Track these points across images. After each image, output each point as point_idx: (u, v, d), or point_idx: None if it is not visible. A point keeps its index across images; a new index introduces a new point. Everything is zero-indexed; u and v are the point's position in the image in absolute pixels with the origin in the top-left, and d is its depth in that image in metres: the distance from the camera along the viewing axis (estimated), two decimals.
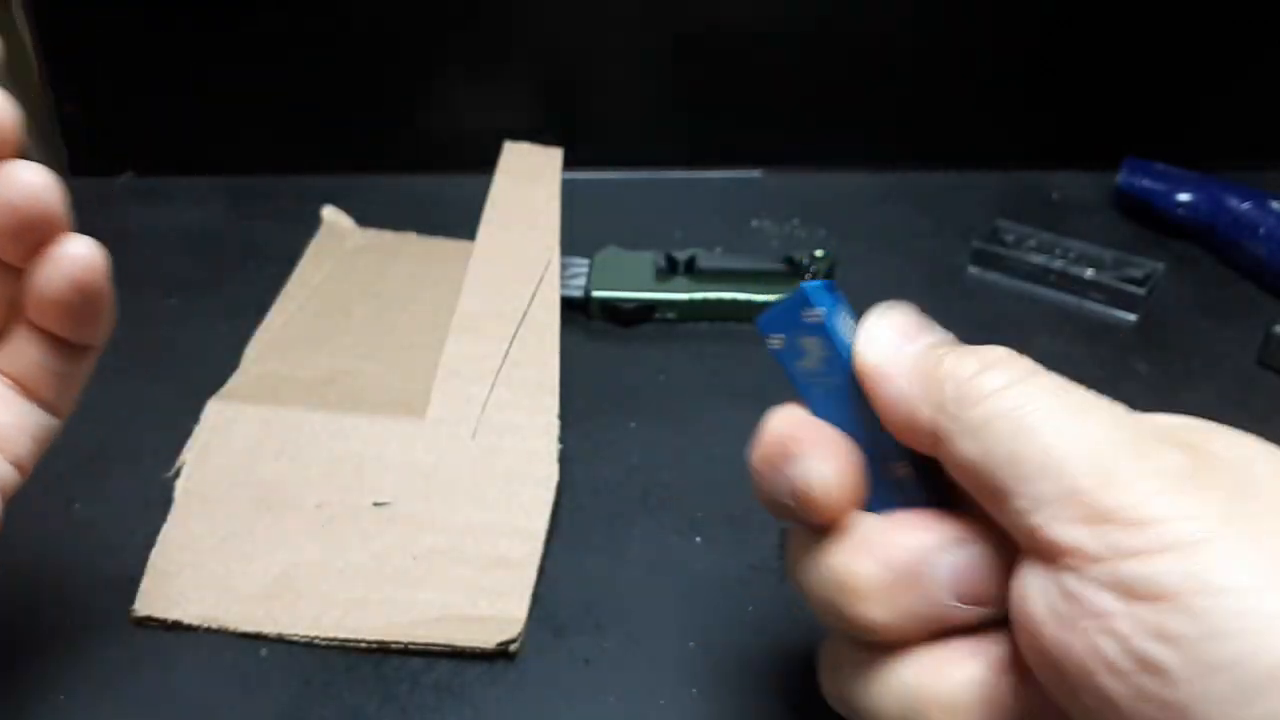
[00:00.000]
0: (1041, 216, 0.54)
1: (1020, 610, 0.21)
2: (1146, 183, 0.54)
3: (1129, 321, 0.48)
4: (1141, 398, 0.45)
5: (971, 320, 0.48)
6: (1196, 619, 0.18)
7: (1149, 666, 0.18)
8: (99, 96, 0.60)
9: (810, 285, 0.24)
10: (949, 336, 0.24)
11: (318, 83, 0.60)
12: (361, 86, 0.60)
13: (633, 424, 0.42)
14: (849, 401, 0.24)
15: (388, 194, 0.57)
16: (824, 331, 0.24)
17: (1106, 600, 0.19)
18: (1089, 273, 0.49)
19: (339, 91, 0.60)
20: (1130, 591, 0.18)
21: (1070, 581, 0.19)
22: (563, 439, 0.38)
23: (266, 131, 0.61)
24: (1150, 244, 0.53)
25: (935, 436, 0.22)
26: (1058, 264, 0.50)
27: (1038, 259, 0.51)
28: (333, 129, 0.61)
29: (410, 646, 0.32)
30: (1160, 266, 0.50)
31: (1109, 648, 0.19)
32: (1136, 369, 0.45)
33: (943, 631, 0.23)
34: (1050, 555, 0.20)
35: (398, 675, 0.32)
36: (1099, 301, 0.49)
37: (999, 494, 0.21)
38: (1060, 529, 0.20)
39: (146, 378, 0.44)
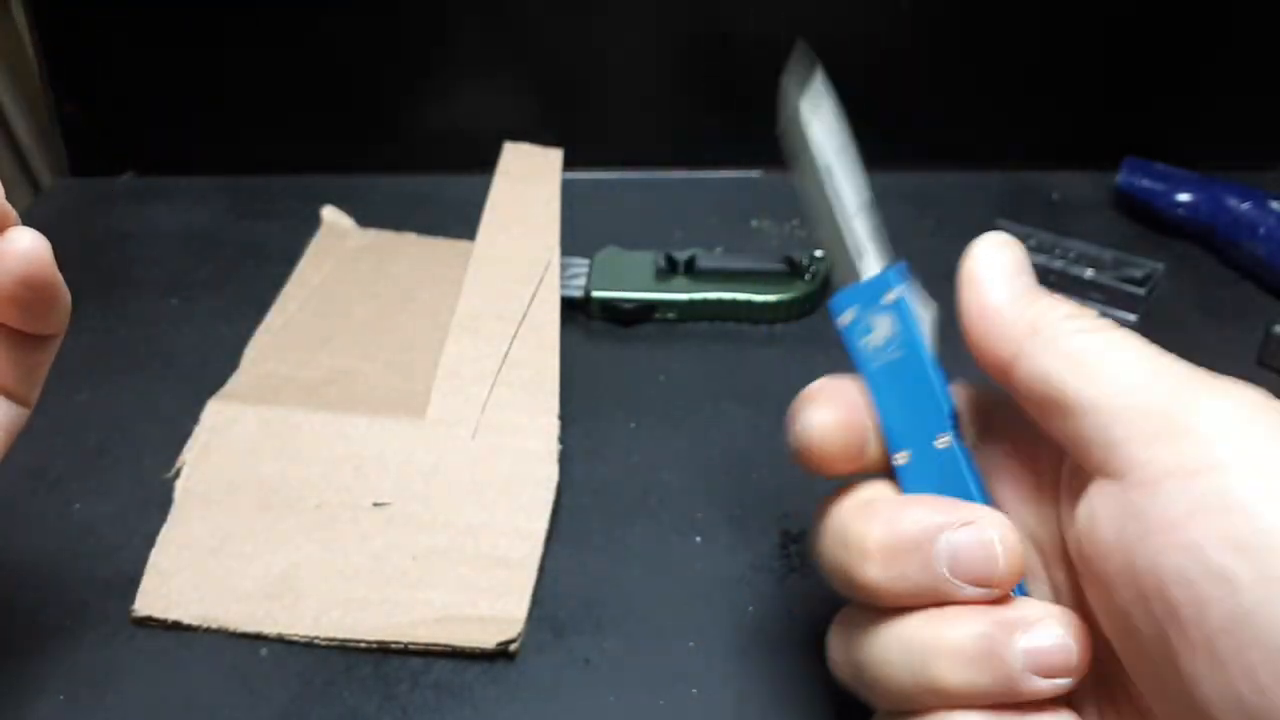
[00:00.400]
0: (1041, 216, 0.54)
1: (1085, 531, 0.22)
2: (1146, 183, 0.54)
3: (1129, 321, 0.48)
4: None
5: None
6: (1268, 530, 0.18)
7: (1219, 576, 0.19)
8: (99, 96, 0.60)
9: (893, 269, 0.27)
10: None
11: (318, 83, 0.60)
12: (361, 86, 0.60)
13: (633, 424, 0.42)
14: (904, 376, 0.25)
15: (388, 194, 0.57)
16: (897, 310, 0.26)
17: (1179, 512, 0.19)
18: (1089, 273, 0.49)
19: (339, 91, 0.60)
20: (1202, 503, 0.19)
21: (1141, 497, 0.20)
22: (563, 439, 0.38)
23: (266, 131, 0.61)
24: (1150, 244, 0.53)
25: (1018, 352, 0.23)
26: (1058, 264, 0.50)
27: (1038, 259, 0.50)
28: (333, 129, 0.61)
29: (410, 646, 0.32)
30: (1160, 266, 0.50)
31: (1179, 560, 0.19)
32: None
33: (942, 602, 0.23)
34: (1121, 470, 0.21)
35: (398, 675, 0.32)
36: (1099, 301, 0.49)
37: (1077, 409, 0.22)
38: (1135, 446, 0.20)
39: (147, 378, 0.44)
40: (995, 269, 0.25)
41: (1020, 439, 0.26)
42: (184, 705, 0.31)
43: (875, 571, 0.23)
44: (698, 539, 0.37)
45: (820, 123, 0.30)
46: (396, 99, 0.60)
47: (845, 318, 0.27)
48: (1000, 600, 0.23)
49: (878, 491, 0.26)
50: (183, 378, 0.42)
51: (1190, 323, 0.48)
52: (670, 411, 0.43)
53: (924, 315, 0.26)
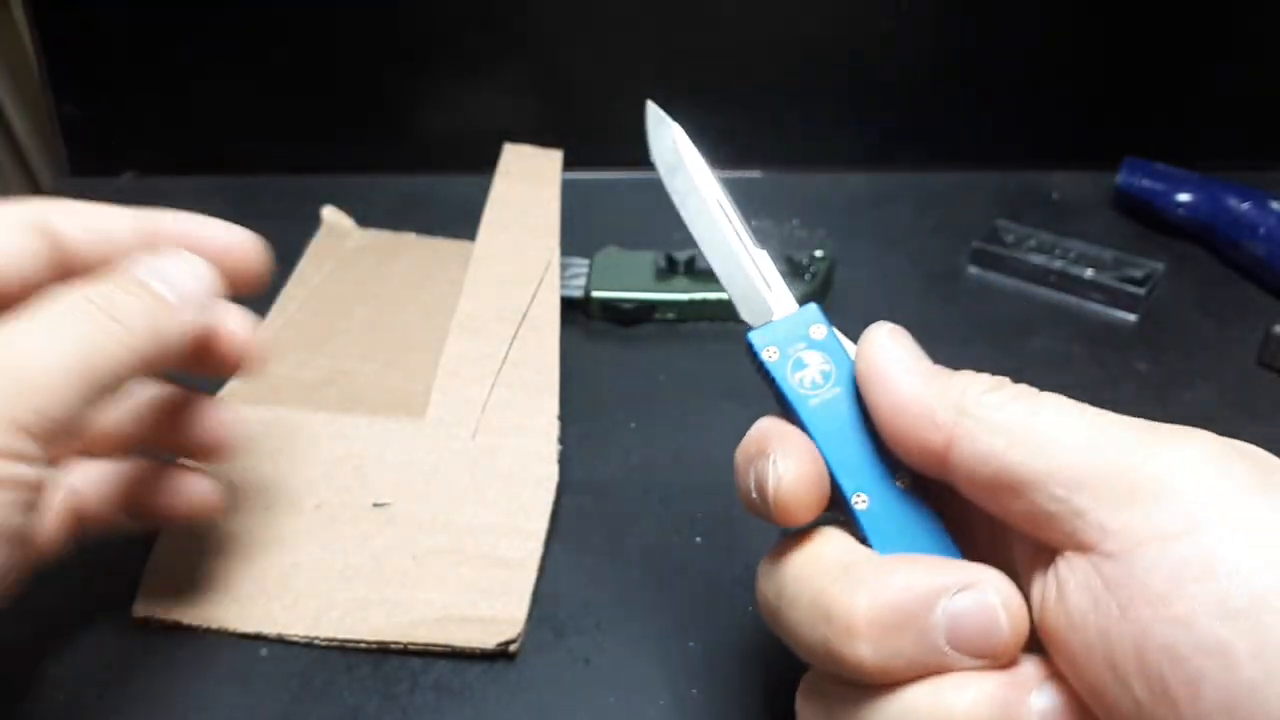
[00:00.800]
0: (1041, 216, 0.54)
1: (1058, 611, 0.20)
2: (1146, 183, 0.54)
3: (1129, 321, 0.48)
4: (1141, 398, 0.45)
5: (971, 320, 0.48)
6: (1263, 594, 0.17)
7: (1214, 649, 0.17)
8: (99, 96, 0.60)
9: (815, 306, 0.26)
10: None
11: (318, 83, 0.60)
12: (361, 86, 0.60)
13: (633, 424, 0.42)
14: (849, 414, 0.24)
15: (388, 194, 0.57)
16: (829, 347, 0.25)
17: (1161, 582, 0.18)
18: (1089, 273, 0.49)
19: (339, 91, 0.60)
20: (1186, 570, 0.18)
21: (1116, 569, 0.19)
22: (563, 439, 0.38)
23: (266, 131, 0.61)
24: (1150, 244, 0.53)
25: (950, 438, 0.22)
26: (1058, 264, 0.50)
27: (1038, 259, 0.51)
28: (333, 129, 0.61)
29: (410, 647, 0.32)
30: (1160, 266, 0.50)
31: (1167, 634, 0.18)
32: (1136, 369, 0.45)
33: (938, 672, 0.21)
34: (1091, 542, 0.19)
35: (398, 675, 0.32)
36: (1099, 301, 0.49)
37: (1031, 483, 0.20)
38: (1103, 513, 0.19)
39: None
40: (895, 360, 0.23)
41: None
42: (184, 705, 0.31)
43: (866, 650, 0.21)
44: (698, 539, 0.37)
45: (697, 157, 0.29)
46: (396, 99, 0.60)
47: (769, 354, 0.25)
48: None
49: (845, 547, 0.23)
50: (183, 378, 0.42)
51: (1190, 323, 0.48)
52: (670, 411, 0.42)
53: (854, 351, 0.25)
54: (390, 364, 0.43)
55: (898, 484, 0.24)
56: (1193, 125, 0.60)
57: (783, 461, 0.23)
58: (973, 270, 0.52)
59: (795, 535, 0.24)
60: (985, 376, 0.23)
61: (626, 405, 0.43)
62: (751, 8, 0.58)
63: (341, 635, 0.33)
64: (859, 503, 0.24)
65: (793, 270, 0.49)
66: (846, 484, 0.24)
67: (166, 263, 0.27)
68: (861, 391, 0.24)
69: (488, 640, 0.32)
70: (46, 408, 0.22)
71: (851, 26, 0.58)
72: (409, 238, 0.52)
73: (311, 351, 0.44)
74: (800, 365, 0.25)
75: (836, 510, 0.24)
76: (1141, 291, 0.48)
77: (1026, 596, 0.21)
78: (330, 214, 0.53)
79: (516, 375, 0.40)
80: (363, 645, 0.32)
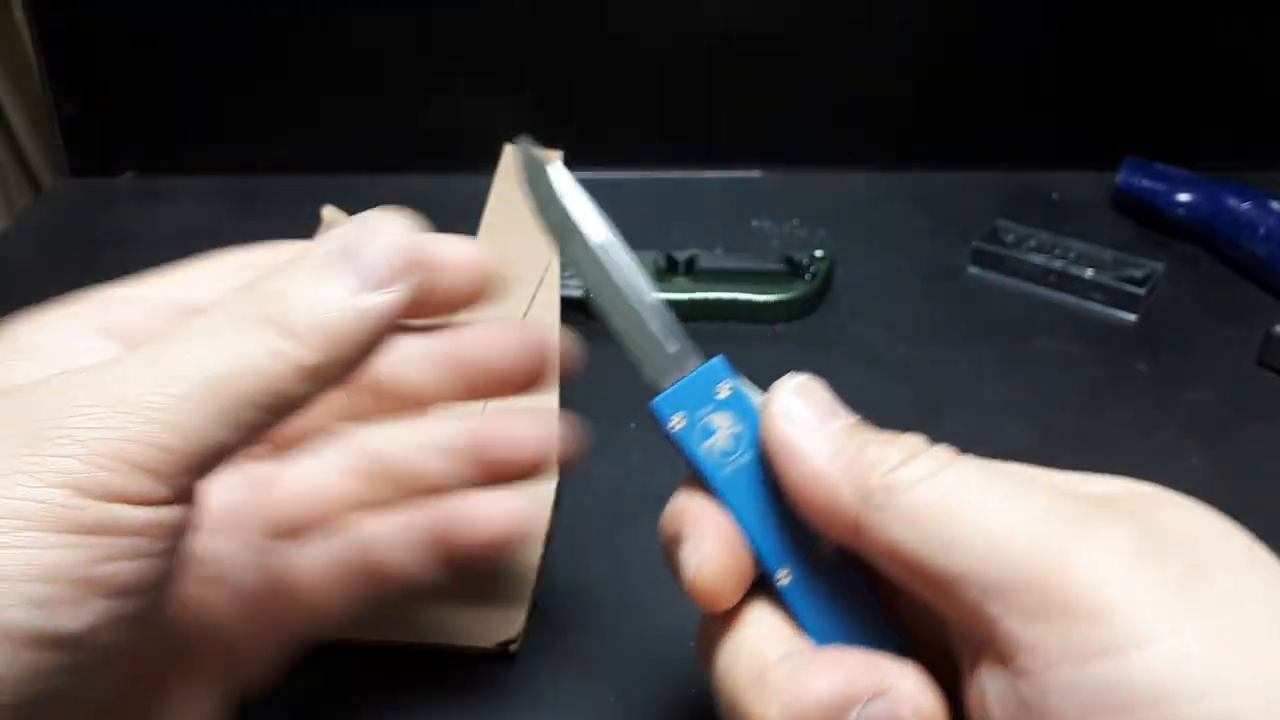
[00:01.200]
0: (1041, 216, 0.54)
1: (978, 712, 0.19)
2: (1146, 183, 0.54)
3: (1129, 321, 0.48)
4: (1141, 398, 0.45)
5: (971, 320, 0.48)
6: None
7: None
8: (99, 96, 0.60)
9: (719, 360, 0.23)
10: (857, 418, 0.22)
11: (318, 83, 0.60)
12: (361, 86, 0.60)
13: (633, 424, 0.42)
14: (764, 479, 0.22)
15: (388, 194, 0.56)
16: (737, 405, 0.23)
17: (1075, 711, 0.17)
18: (1089, 273, 0.49)
19: (339, 91, 0.60)
20: (1095, 701, 0.16)
21: (1029, 689, 0.17)
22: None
23: (266, 131, 0.61)
24: (1150, 244, 0.53)
25: (858, 524, 0.20)
26: (1058, 264, 0.50)
27: (1038, 259, 0.51)
28: (333, 129, 0.61)
29: (410, 646, 0.32)
30: (1160, 266, 0.50)
31: None
32: (1136, 369, 0.45)
33: None
34: (1006, 654, 0.18)
35: (398, 675, 0.32)
36: (1099, 301, 0.49)
37: (942, 583, 0.19)
38: (1015, 624, 0.17)
39: None
40: (800, 431, 0.21)
41: None
42: None
43: None
44: None
45: (582, 197, 0.25)
46: (397, 99, 0.60)
47: (676, 423, 0.23)
48: None
49: (766, 637, 0.22)
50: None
51: (1190, 323, 0.48)
52: None
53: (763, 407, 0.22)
54: None
55: (823, 553, 0.22)
56: (1193, 125, 0.60)
57: (698, 550, 0.22)
58: (973, 270, 0.52)
59: (720, 617, 0.23)
60: (898, 445, 0.20)
61: (626, 405, 0.43)
62: (751, 8, 0.58)
63: (342, 635, 0.32)
64: (782, 578, 0.22)
65: (793, 270, 0.49)
66: (768, 559, 0.22)
67: (346, 237, 0.22)
68: (769, 460, 0.22)
69: (487, 640, 0.32)
70: (163, 438, 0.18)
71: (851, 27, 0.58)
72: None
73: None
74: (708, 432, 0.23)
75: (762, 584, 0.23)
76: (1141, 291, 0.48)
77: (963, 679, 0.20)
78: (330, 213, 0.53)
79: None
80: (363, 645, 0.32)
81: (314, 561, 0.26)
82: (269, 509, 0.26)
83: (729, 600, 0.22)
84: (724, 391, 0.23)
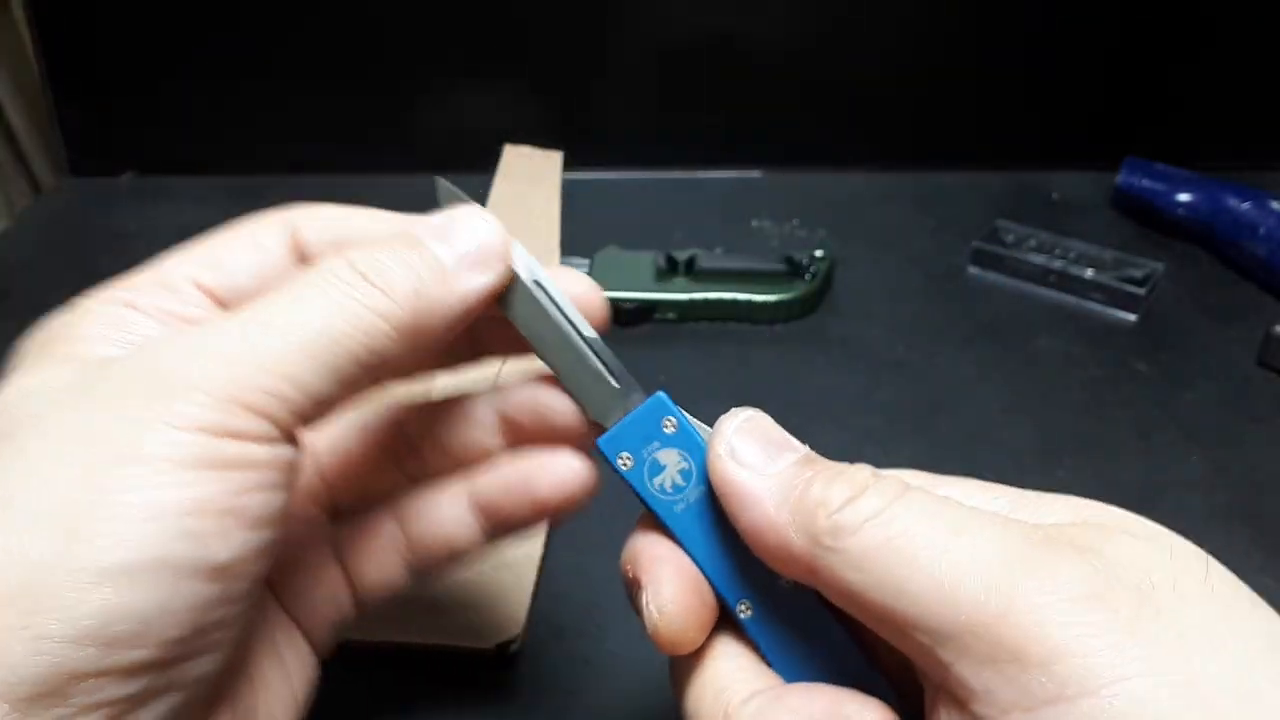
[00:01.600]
0: (1041, 216, 0.54)
1: None
2: (1146, 183, 0.54)
3: (1129, 321, 0.48)
4: (1141, 398, 0.45)
5: (971, 320, 0.48)
6: None
7: None
8: (99, 96, 0.60)
9: (660, 396, 0.23)
10: (805, 449, 0.22)
11: (317, 83, 0.60)
12: (361, 86, 0.60)
13: None
14: (717, 514, 0.22)
15: (387, 194, 0.56)
16: (683, 441, 0.23)
17: None
18: (1089, 273, 0.49)
19: (339, 91, 0.60)
20: None
21: None
22: None
23: (266, 131, 0.61)
24: (1150, 244, 0.53)
25: (812, 566, 0.20)
26: (1058, 264, 0.50)
27: (1038, 259, 0.51)
28: (332, 129, 0.61)
29: (410, 646, 0.32)
30: (1160, 266, 0.50)
31: None
32: (1136, 369, 0.45)
33: None
34: (960, 699, 0.18)
35: (398, 675, 0.32)
36: (1099, 301, 0.49)
37: (895, 626, 0.18)
38: (966, 670, 0.17)
39: None
40: (747, 467, 0.21)
41: None
42: None
43: None
44: None
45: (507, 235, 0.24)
46: (396, 99, 0.60)
47: (624, 461, 0.22)
48: None
49: (730, 677, 0.22)
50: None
51: (1190, 323, 0.48)
52: None
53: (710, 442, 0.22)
54: None
55: (784, 585, 0.22)
56: (1193, 125, 0.60)
57: (658, 594, 0.22)
58: (973, 270, 0.52)
59: (688, 654, 0.22)
60: (844, 481, 0.20)
61: None
62: (752, 8, 0.58)
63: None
64: (743, 611, 0.22)
65: (793, 270, 0.49)
66: (728, 594, 0.22)
67: (444, 220, 0.24)
68: (721, 500, 0.21)
69: (487, 641, 0.32)
70: (276, 386, 0.20)
71: (852, 27, 0.58)
72: None
73: None
74: (657, 469, 0.22)
75: (725, 619, 0.22)
76: (1141, 291, 0.48)
77: (927, 713, 0.20)
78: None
79: (515, 376, 0.40)
80: (363, 646, 0.32)
81: (362, 533, 0.26)
82: (315, 482, 0.27)
83: (692, 643, 0.22)
84: (669, 427, 0.23)
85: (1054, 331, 0.48)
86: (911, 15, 0.58)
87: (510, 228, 0.44)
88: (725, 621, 0.23)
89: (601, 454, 0.23)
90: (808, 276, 0.49)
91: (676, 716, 0.31)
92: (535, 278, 0.24)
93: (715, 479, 0.21)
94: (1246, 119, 0.60)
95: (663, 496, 0.22)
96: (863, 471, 0.20)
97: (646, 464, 0.23)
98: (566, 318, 0.24)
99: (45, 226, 0.58)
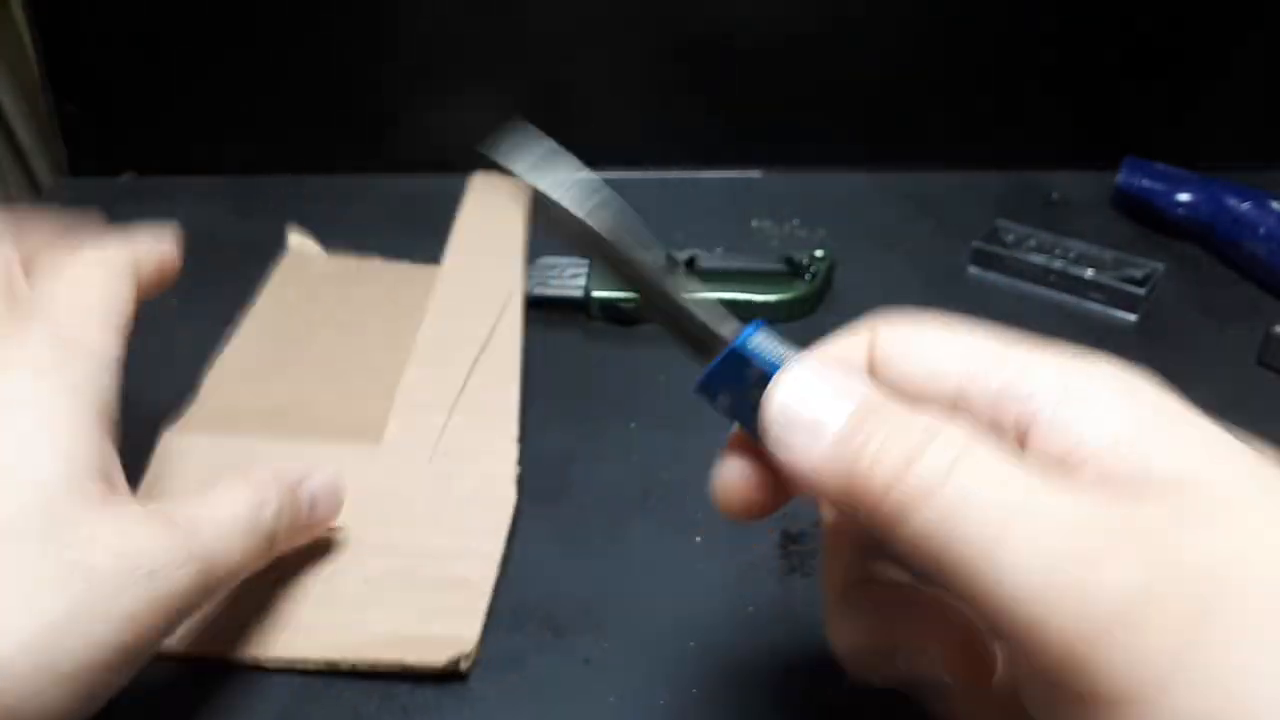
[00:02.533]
0: (1041, 216, 0.54)
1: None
2: (1146, 183, 0.54)
3: (1129, 321, 0.48)
4: None
5: (972, 320, 0.48)
6: None
7: None
8: (99, 96, 0.60)
9: (742, 340, 0.23)
10: (863, 387, 0.21)
11: (316, 83, 0.60)
12: (360, 87, 0.60)
13: (632, 424, 0.42)
14: None
15: (386, 194, 0.57)
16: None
17: None
18: (1089, 273, 0.49)
19: (338, 92, 0.60)
20: None
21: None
22: (563, 439, 0.38)
23: (266, 131, 0.61)
24: (1150, 244, 0.53)
25: (884, 529, 0.19)
26: (1058, 264, 0.50)
27: (1038, 259, 0.50)
28: (331, 129, 0.61)
29: (358, 667, 0.31)
30: (1160, 266, 0.50)
31: None
32: (1136, 369, 0.45)
33: None
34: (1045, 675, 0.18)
35: (398, 675, 0.32)
36: (1099, 301, 0.49)
37: (969, 600, 0.18)
38: (1043, 655, 0.17)
39: (146, 378, 0.44)
40: (801, 455, 0.20)
41: None
42: (184, 705, 0.31)
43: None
44: (698, 539, 0.37)
45: (585, 187, 0.24)
46: (394, 99, 0.60)
47: (723, 402, 0.23)
48: None
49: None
50: (183, 378, 0.42)
51: (1190, 323, 0.48)
52: (670, 411, 0.42)
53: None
54: (349, 391, 0.42)
55: None
56: (1193, 125, 0.60)
57: (725, 466, 0.24)
58: (973, 270, 0.52)
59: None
60: (899, 441, 0.19)
61: (626, 405, 0.43)
62: (752, 8, 0.58)
63: (289, 656, 0.32)
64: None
65: (793, 270, 0.49)
66: None
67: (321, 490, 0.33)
68: (768, 444, 0.22)
69: (438, 657, 0.31)
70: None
71: (851, 26, 0.58)
72: (374, 263, 0.50)
73: (269, 380, 0.43)
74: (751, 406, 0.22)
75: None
76: (1141, 291, 0.48)
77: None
78: (296, 241, 0.51)
79: (475, 402, 0.40)
80: (310, 667, 0.32)
81: None
82: None
83: (744, 511, 0.24)
84: (756, 373, 0.22)
85: (1054, 331, 0.47)
86: (912, 15, 0.58)
87: (475, 255, 0.45)
88: None
89: (706, 392, 0.23)
90: (808, 276, 0.49)
91: (676, 716, 0.31)
92: (615, 227, 0.25)
93: (769, 440, 0.21)
94: (1246, 119, 0.60)
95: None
96: (922, 418, 0.20)
97: (744, 402, 0.22)
98: (658, 263, 0.25)
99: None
